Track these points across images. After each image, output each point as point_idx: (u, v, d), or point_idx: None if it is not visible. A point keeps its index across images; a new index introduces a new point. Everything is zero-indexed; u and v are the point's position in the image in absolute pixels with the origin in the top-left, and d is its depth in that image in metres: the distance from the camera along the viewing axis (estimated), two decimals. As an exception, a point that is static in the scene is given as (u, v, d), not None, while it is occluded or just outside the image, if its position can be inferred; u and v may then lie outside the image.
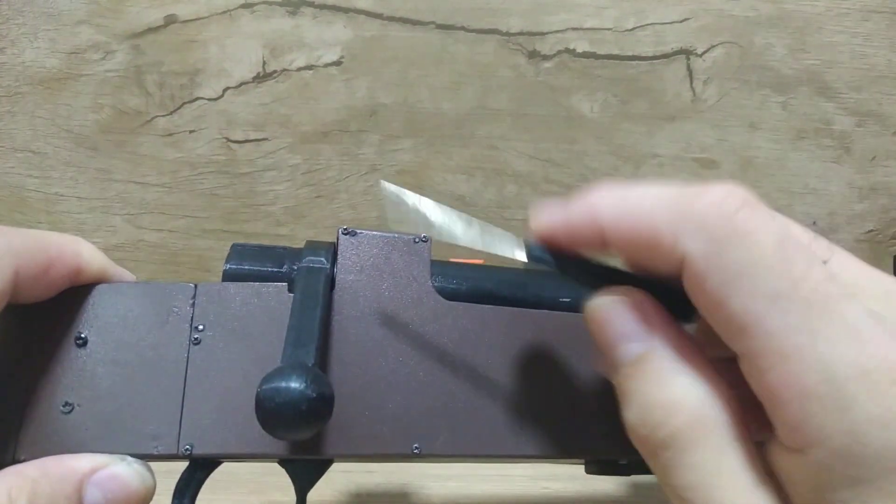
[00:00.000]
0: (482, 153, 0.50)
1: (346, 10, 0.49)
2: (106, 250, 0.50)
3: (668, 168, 0.51)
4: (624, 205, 0.19)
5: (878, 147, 0.52)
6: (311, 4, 0.49)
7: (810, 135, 0.51)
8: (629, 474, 0.27)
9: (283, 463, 0.25)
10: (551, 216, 0.20)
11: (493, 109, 0.50)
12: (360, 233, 0.26)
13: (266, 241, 0.51)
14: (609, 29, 0.50)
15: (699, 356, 0.19)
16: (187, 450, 0.23)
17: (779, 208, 0.51)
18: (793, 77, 0.51)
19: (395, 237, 0.26)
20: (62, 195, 0.49)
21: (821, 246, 0.20)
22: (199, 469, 0.24)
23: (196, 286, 0.25)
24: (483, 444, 0.24)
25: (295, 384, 0.19)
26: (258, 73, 0.49)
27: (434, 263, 0.26)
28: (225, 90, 0.49)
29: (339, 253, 0.25)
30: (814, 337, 0.16)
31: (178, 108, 0.49)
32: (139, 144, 0.49)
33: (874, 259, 0.50)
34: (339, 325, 0.25)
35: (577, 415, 0.25)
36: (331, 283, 0.25)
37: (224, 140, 0.50)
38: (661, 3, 0.50)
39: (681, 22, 0.50)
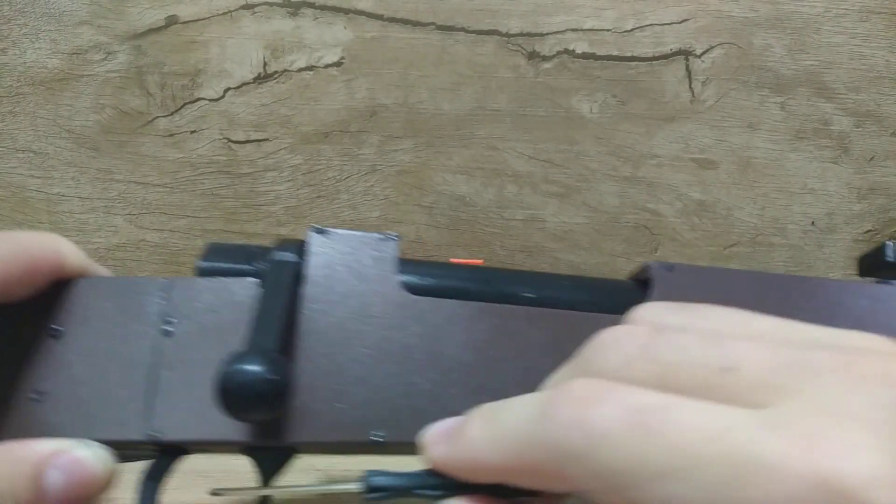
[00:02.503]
0: (482, 153, 0.51)
1: (346, 11, 0.49)
2: (107, 250, 0.51)
3: (666, 168, 0.51)
4: (502, 449, 0.19)
5: (877, 147, 0.52)
6: (312, 5, 0.49)
7: (809, 135, 0.52)
8: None
9: (248, 451, 0.25)
10: (442, 452, 0.20)
11: (492, 110, 0.50)
12: (331, 231, 0.26)
13: (267, 241, 0.51)
14: (608, 30, 0.50)
15: None
16: (154, 436, 0.24)
17: (777, 208, 0.51)
18: (791, 78, 0.51)
19: (363, 235, 0.27)
20: (64, 195, 0.50)
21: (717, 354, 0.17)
22: (167, 456, 0.25)
23: (169, 280, 0.25)
24: None
25: (253, 366, 0.20)
26: (259, 74, 0.49)
27: (403, 261, 0.27)
28: (226, 91, 0.49)
29: (309, 250, 0.26)
30: (713, 490, 0.15)
31: (180, 108, 0.49)
32: (140, 145, 0.50)
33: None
34: (308, 318, 0.25)
35: None
36: (301, 278, 0.26)
37: (225, 140, 0.50)
38: (660, 5, 0.50)
39: (680, 23, 0.50)
